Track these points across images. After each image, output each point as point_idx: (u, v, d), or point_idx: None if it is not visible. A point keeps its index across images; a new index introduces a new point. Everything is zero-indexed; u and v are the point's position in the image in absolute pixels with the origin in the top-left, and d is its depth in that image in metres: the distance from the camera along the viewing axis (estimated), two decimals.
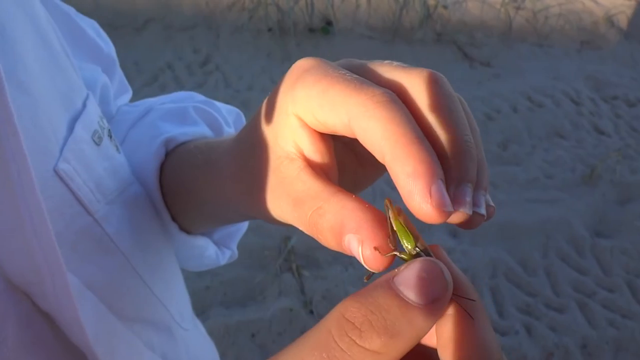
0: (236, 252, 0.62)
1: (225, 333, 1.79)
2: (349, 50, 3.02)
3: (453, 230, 2.24)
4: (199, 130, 0.53)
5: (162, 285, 0.50)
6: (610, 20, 3.43)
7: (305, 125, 0.33)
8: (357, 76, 0.31)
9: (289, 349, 0.26)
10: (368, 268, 0.28)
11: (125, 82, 0.63)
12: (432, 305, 0.25)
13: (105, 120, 0.45)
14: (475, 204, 0.30)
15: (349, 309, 0.25)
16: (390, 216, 0.29)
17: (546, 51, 3.24)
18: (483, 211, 0.30)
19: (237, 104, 2.60)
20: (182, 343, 0.54)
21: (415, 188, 0.27)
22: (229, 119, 0.59)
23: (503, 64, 3.11)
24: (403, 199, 0.28)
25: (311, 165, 0.33)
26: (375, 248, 0.28)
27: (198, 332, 0.63)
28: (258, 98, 2.66)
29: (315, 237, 0.31)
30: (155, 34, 2.94)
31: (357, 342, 0.24)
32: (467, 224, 0.30)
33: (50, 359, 0.36)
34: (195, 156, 0.48)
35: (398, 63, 0.33)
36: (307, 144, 0.33)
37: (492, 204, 0.32)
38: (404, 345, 0.24)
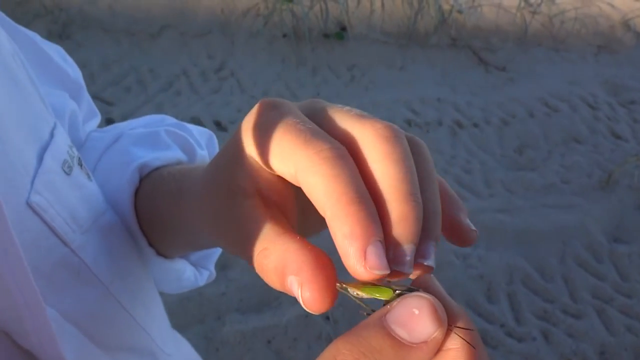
0: (214, 272, 0.62)
1: (242, 339, 1.79)
2: (364, 55, 3.02)
3: None
4: (173, 155, 0.52)
5: (143, 311, 0.50)
6: (627, 24, 3.41)
7: (263, 167, 0.33)
8: (311, 126, 0.31)
9: None
10: (307, 310, 0.28)
11: (94, 106, 0.61)
12: (427, 343, 0.24)
13: (74, 149, 0.44)
14: (422, 255, 0.29)
15: (340, 351, 0.24)
16: (351, 291, 0.29)
17: (562, 56, 3.22)
18: (430, 263, 0.29)
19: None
20: None
21: (351, 249, 0.26)
22: (201, 142, 0.58)
23: (519, 68, 3.10)
24: (342, 258, 0.27)
25: (268, 204, 0.33)
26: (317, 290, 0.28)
27: (181, 355, 0.62)
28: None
29: (262, 276, 0.31)
30: (170, 40, 2.96)
31: None
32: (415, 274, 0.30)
33: None
34: (169, 183, 0.47)
35: (358, 111, 0.33)
36: (264, 183, 0.33)
37: (473, 228, 0.32)
38: None
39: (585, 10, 3.42)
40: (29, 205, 0.36)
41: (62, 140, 0.42)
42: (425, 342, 0.24)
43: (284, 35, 3.04)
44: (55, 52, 0.56)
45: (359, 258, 0.26)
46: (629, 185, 2.49)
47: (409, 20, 3.18)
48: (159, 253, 0.52)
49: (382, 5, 3.22)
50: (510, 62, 3.12)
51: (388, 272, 0.27)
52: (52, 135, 0.41)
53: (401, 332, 0.24)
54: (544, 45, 3.26)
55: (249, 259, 0.32)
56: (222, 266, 2.00)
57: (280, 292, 1.91)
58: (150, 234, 0.50)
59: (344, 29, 3.10)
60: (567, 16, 3.37)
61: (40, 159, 0.39)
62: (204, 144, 0.58)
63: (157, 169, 0.50)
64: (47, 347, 0.35)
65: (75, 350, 0.37)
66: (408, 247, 0.28)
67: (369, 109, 2.60)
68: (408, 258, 0.28)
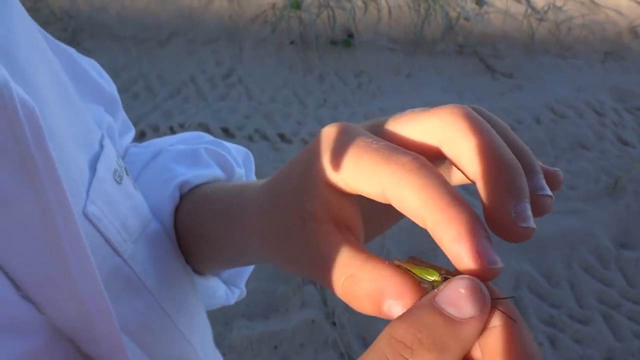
0: (244, 290, 0.62)
1: (249, 345, 1.80)
2: (371, 62, 3.03)
3: None
4: (212, 173, 0.53)
5: (187, 321, 0.50)
6: (634, 31, 3.41)
7: (334, 191, 0.33)
8: (384, 143, 0.32)
9: None
10: None
11: (128, 121, 0.62)
12: (474, 319, 0.26)
13: (121, 159, 0.45)
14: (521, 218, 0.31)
15: (397, 331, 0.26)
16: (409, 268, 0.30)
17: (569, 62, 3.22)
18: (532, 223, 0.31)
19: (259, 117, 2.63)
20: None
21: (463, 251, 0.27)
22: (238, 159, 0.59)
23: (526, 75, 3.10)
24: (452, 261, 0.28)
25: (341, 229, 0.33)
26: None
27: None
28: (280, 110, 2.68)
29: (347, 301, 0.31)
30: (179, 47, 2.98)
31: (409, 358, 0.25)
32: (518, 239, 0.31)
33: None
34: (214, 203, 0.47)
35: (419, 109, 0.34)
36: (336, 208, 0.33)
37: (549, 193, 0.33)
38: (452, 358, 0.26)
39: (592, 17, 3.43)
40: (85, 215, 0.37)
41: (110, 150, 0.43)
42: (473, 317, 0.26)
43: (292, 42, 3.06)
44: (91, 66, 0.57)
45: (473, 257, 0.27)
46: (636, 191, 2.49)
47: (416, 27, 3.20)
48: (194, 270, 0.52)
49: (389, 12, 3.24)
50: (517, 68, 3.13)
51: (501, 266, 0.28)
52: (101, 145, 0.42)
53: (451, 310, 0.26)
54: (550, 52, 3.27)
55: (326, 282, 0.32)
56: None
57: (287, 299, 1.92)
58: (189, 250, 0.51)
59: (351, 36, 3.11)
60: (574, 23, 3.38)
61: (94, 169, 0.39)
62: (240, 162, 0.59)
63: (197, 186, 0.51)
64: (116, 352, 0.35)
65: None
66: (525, 204, 0.30)
67: (376, 116, 2.61)
68: (529, 212, 0.30)
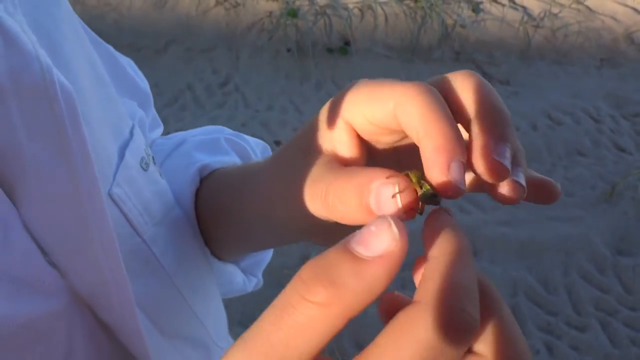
0: (261, 279, 0.65)
1: None
2: (367, 69, 3.04)
3: (472, 248, 2.22)
4: (231, 159, 0.56)
5: (202, 305, 0.52)
6: (630, 37, 3.42)
7: (350, 130, 0.36)
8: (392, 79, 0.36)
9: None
10: (403, 211, 0.30)
11: (158, 117, 0.66)
12: (381, 257, 0.25)
13: (149, 149, 0.48)
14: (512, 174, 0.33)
15: (304, 269, 0.26)
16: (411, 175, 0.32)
17: (565, 69, 3.23)
18: (522, 181, 0.33)
19: (256, 124, 2.63)
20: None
21: (438, 159, 0.30)
22: (257, 151, 0.62)
23: (522, 82, 3.11)
24: (425, 169, 0.30)
25: (344, 163, 0.36)
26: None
27: None
28: (277, 118, 2.69)
29: (334, 208, 0.32)
30: (175, 55, 2.99)
31: (305, 296, 0.25)
32: (507, 194, 0.32)
33: None
34: (231, 176, 0.51)
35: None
36: (346, 148, 0.36)
37: (523, 183, 0.33)
38: (351, 297, 0.25)
39: (588, 24, 3.44)
40: (110, 196, 0.40)
41: (140, 139, 0.46)
42: (380, 256, 0.25)
43: (288, 50, 3.06)
44: (128, 64, 0.61)
45: (443, 169, 0.30)
46: (633, 197, 2.49)
47: (413, 35, 3.21)
48: (214, 254, 0.55)
49: (386, 19, 3.25)
50: (513, 75, 3.14)
51: (464, 189, 0.30)
52: (131, 134, 0.46)
53: (359, 248, 0.25)
54: (547, 59, 3.28)
55: (324, 205, 0.34)
56: None
57: None
58: (208, 233, 0.53)
59: (347, 43, 3.12)
60: (570, 30, 3.39)
61: (122, 154, 0.43)
62: (259, 153, 0.62)
63: (217, 170, 0.54)
64: (129, 320, 0.38)
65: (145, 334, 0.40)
66: (507, 147, 0.32)
67: None
68: (508, 154, 0.32)
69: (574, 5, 3.51)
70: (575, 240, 2.28)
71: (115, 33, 2.98)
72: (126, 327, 0.38)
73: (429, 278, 0.26)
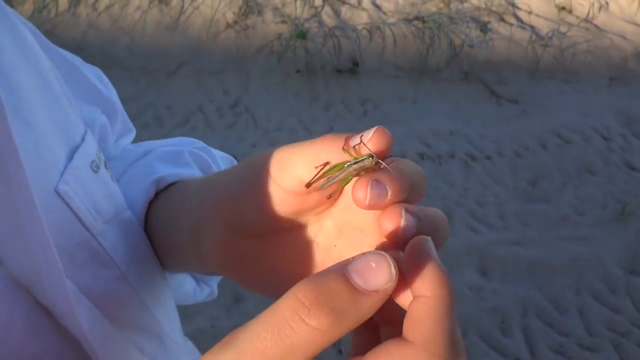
0: (216, 290, 0.65)
1: None
2: (376, 90, 3.06)
3: (483, 268, 2.22)
4: (190, 173, 0.57)
5: (154, 299, 0.54)
6: (639, 56, 3.42)
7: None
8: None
9: (249, 324, 0.28)
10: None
11: (129, 122, 0.68)
12: (378, 292, 0.28)
13: (101, 154, 0.51)
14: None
15: (301, 289, 0.28)
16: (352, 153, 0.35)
17: (575, 87, 3.23)
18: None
19: (266, 144, 2.65)
20: (172, 352, 0.57)
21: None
22: (222, 165, 0.63)
23: (531, 101, 3.11)
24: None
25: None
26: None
27: (189, 347, 0.65)
28: (287, 138, 2.70)
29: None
30: (187, 78, 3.02)
31: (306, 320, 0.27)
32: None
33: (52, 345, 0.41)
34: (185, 185, 0.53)
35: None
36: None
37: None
38: (348, 325, 0.27)
39: (596, 42, 3.45)
40: (56, 192, 0.42)
41: (91, 144, 0.49)
42: (376, 291, 0.28)
43: (298, 71, 3.09)
44: (93, 73, 0.63)
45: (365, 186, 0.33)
46: None
47: (421, 55, 3.23)
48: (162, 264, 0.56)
49: (394, 40, 3.27)
50: (522, 94, 3.15)
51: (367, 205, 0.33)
52: (83, 139, 0.48)
53: (358, 280, 0.28)
54: (556, 78, 3.28)
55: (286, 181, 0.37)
56: (236, 299, 2.01)
57: None
58: (157, 243, 0.55)
59: (356, 64, 3.15)
60: (578, 48, 3.40)
61: (71, 157, 0.45)
62: (223, 168, 0.63)
63: (174, 183, 0.55)
64: (63, 304, 0.40)
65: (88, 320, 0.42)
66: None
67: None
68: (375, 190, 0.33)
69: (582, 24, 3.52)
70: (586, 260, 2.27)
71: (128, 57, 3.02)
72: (61, 311, 0.40)
73: (421, 320, 0.29)
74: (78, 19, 3.14)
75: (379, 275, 0.28)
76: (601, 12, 3.59)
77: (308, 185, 0.35)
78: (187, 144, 0.63)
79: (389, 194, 0.33)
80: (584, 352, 1.96)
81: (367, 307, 0.28)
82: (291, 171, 0.37)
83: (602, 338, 2.01)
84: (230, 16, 3.25)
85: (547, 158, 2.75)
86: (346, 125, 2.82)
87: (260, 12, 3.28)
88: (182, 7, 3.25)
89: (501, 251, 2.28)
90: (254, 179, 0.39)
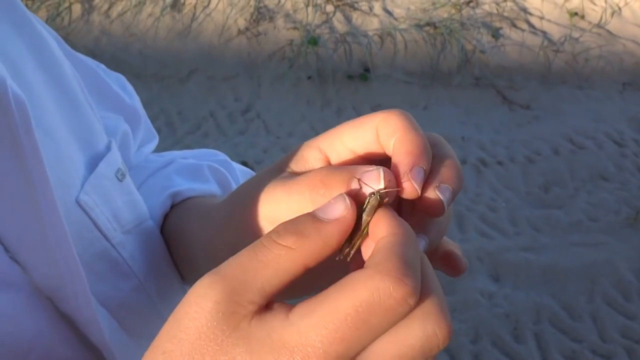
0: None
1: None
2: (387, 95, 3.06)
3: (495, 275, 2.22)
4: (208, 188, 0.59)
5: (171, 310, 0.54)
6: None
7: (324, 160, 0.40)
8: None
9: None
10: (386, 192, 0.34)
11: (152, 129, 0.70)
12: (336, 221, 0.32)
13: (125, 164, 0.52)
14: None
15: (277, 226, 0.32)
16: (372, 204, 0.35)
17: (587, 93, 3.22)
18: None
19: (277, 150, 2.66)
20: None
21: (405, 161, 0.35)
22: (241, 180, 0.64)
23: (543, 106, 3.10)
24: (392, 167, 0.35)
25: None
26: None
27: None
28: (298, 144, 2.70)
29: (318, 196, 0.36)
30: (199, 84, 3.04)
31: (276, 240, 0.31)
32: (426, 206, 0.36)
33: (77, 353, 0.41)
34: (198, 209, 0.54)
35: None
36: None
37: (441, 197, 0.37)
38: (311, 246, 0.31)
39: (609, 48, 3.43)
40: (77, 202, 0.43)
41: (117, 153, 0.50)
42: (336, 219, 0.32)
43: (309, 77, 3.10)
44: (116, 80, 0.64)
45: (407, 169, 0.35)
46: None
47: (432, 61, 3.23)
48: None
49: (405, 46, 3.27)
50: (534, 100, 3.13)
51: (418, 192, 0.35)
52: (109, 148, 0.50)
53: (320, 213, 0.33)
54: (568, 83, 3.27)
55: (312, 192, 0.37)
56: None
57: None
58: (176, 255, 0.56)
59: (367, 70, 3.15)
60: (591, 54, 3.38)
61: (94, 166, 0.47)
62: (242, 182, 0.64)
63: (190, 198, 0.56)
64: (85, 311, 0.41)
65: (108, 330, 0.43)
66: (419, 169, 0.35)
67: None
68: (421, 175, 0.35)
69: (594, 30, 3.50)
70: (599, 266, 2.25)
71: (140, 63, 3.04)
72: (83, 319, 0.41)
73: (377, 250, 0.32)
74: (91, 25, 3.17)
75: (336, 205, 0.33)
76: (614, 17, 3.57)
77: (339, 259, 0.36)
78: (208, 157, 0.65)
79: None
80: (597, 359, 1.95)
81: (328, 232, 0.32)
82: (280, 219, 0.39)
83: (616, 344, 1.99)
84: (242, 22, 3.26)
85: (559, 164, 2.74)
86: None
87: (271, 19, 3.29)
88: (194, 13, 3.27)
89: (513, 257, 2.27)
90: (247, 223, 0.41)
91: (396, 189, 0.35)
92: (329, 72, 3.09)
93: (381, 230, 0.33)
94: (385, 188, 0.34)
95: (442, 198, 0.35)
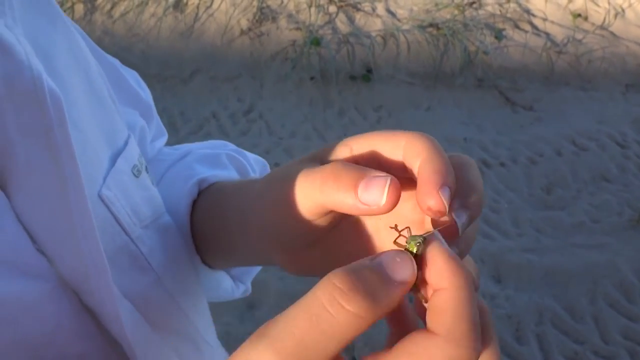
0: (250, 287, 0.67)
1: None
2: (390, 96, 3.05)
3: (497, 276, 2.21)
4: (229, 174, 0.60)
5: (190, 303, 0.55)
6: None
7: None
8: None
9: (283, 314, 0.30)
10: (382, 207, 0.34)
11: (162, 126, 0.70)
12: (402, 284, 0.30)
13: (142, 158, 0.52)
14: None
15: (337, 276, 0.29)
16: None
17: (590, 94, 3.21)
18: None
19: (279, 151, 2.66)
20: (207, 356, 0.58)
21: (432, 180, 0.34)
22: (255, 168, 0.65)
23: (546, 107, 3.10)
24: (418, 189, 0.35)
25: None
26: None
27: (221, 351, 0.66)
28: (301, 145, 2.71)
29: (328, 189, 0.35)
30: (201, 84, 3.04)
31: (344, 305, 0.28)
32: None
33: (95, 347, 0.41)
34: (224, 190, 0.54)
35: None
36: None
37: (461, 220, 0.36)
38: (380, 311, 0.29)
39: (612, 49, 3.43)
40: (99, 196, 0.44)
41: (134, 149, 0.51)
42: (402, 282, 0.30)
43: (312, 78, 3.10)
44: (131, 76, 0.65)
45: (435, 188, 0.34)
46: None
47: (435, 62, 3.22)
48: (205, 262, 0.58)
49: (408, 47, 3.27)
50: (537, 101, 3.13)
51: (445, 211, 0.34)
52: (126, 143, 0.50)
53: (390, 272, 0.30)
54: (571, 85, 3.26)
55: (322, 185, 0.37)
56: (249, 306, 2.02)
57: None
58: (202, 242, 0.57)
59: (370, 70, 3.15)
60: (594, 55, 3.38)
61: (114, 161, 0.47)
62: (257, 170, 0.66)
63: (214, 184, 0.57)
64: (108, 305, 0.41)
65: (130, 323, 0.43)
66: (446, 189, 0.35)
67: None
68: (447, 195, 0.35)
69: (597, 31, 3.50)
70: (601, 268, 2.25)
71: (143, 63, 3.04)
72: (105, 312, 0.41)
73: (443, 311, 0.30)
74: (93, 25, 3.17)
75: (404, 268, 0.30)
76: (617, 19, 3.57)
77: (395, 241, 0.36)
78: (222, 147, 0.66)
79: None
80: None
81: (395, 296, 0.30)
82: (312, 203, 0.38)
83: (618, 346, 1.99)
84: (244, 23, 3.27)
85: (562, 165, 2.73)
86: (360, 132, 2.80)
87: (274, 19, 3.30)
88: (197, 14, 3.27)
89: (516, 258, 2.27)
90: (285, 204, 0.40)
91: (447, 222, 0.35)
92: (332, 73, 3.09)
93: (443, 279, 0.31)
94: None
95: (457, 222, 0.35)
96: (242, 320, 1.96)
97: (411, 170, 0.36)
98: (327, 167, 0.37)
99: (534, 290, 2.16)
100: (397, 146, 0.37)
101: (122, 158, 0.48)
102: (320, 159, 0.41)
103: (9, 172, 0.37)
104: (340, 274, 0.29)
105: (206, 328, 0.59)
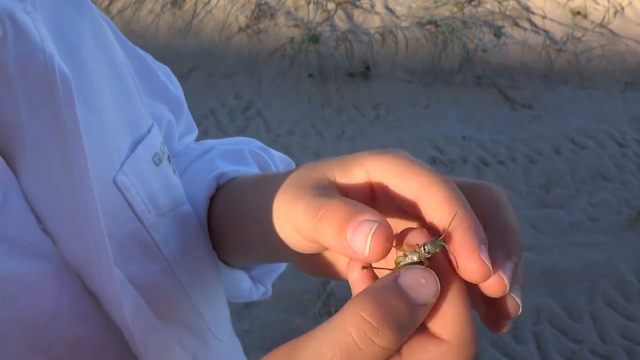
0: (270, 290, 0.66)
1: None
2: (389, 94, 3.05)
3: None
4: (250, 170, 0.59)
5: (201, 296, 0.54)
6: None
7: (367, 183, 0.38)
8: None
9: (306, 343, 0.30)
10: (367, 256, 0.31)
11: (192, 122, 0.72)
12: (425, 306, 0.30)
13: (165, 147, 0.52)
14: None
15: (364, 309, 0.29)
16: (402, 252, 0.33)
17: (589, 93, 3.21)
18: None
19: (277, 148, 2.62)
20: (215, 350, 0.57)
21: (470, 240, 0.32)
22: (280, 165, 0.65)
23: (545, 106, 3.09)
24: (457, 250, 0.32)
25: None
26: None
27: (234, 346, 0.66)
28: (299, 142, 2.70)
29: (321, 230, 0.34)
30: (199, 81, 3.03)
31: (375, 341, 0.29)
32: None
33: (94, 331, 0.41)
34: (242, 186, 0.54)
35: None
36: (357, 188, 0.39)
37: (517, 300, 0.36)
38: (405, 338, 0.30)
39: (611, 47, 3.42)
40: (114, 182, 0.44)
41: (156, 137, 0.51)
42: (425, 304, 0.30)
43: (310, 75, 3.09)
44: (162, 71, 0.66)
45: (476, 247, 0.31)
46: None
47: (434, 59, 3.22)
48: (221, 258, 0.57)
49: (407, 44, 3.26)
50: (536, 99, 3.12)
51: (491, 274, 0.32)
52: (149, 131, 0.50)
53: (412, 294, 0.30)
54: (570, 83, 3.26)
55: (314, 222, 0.35)
56: (246, 303, 2.01)
57: (303, 330, 1.90)
58: (219, 238, 0.56)
59: (368, 68, 3.14)
60: (593, 53, 3.37)
61: (134, 148, 0.47)
62: (282, 168, 0.66)
63: (234, 179, 0.57)
64: (108, 291, 0.41)
65: (133, 309, 0.43)
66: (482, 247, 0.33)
67: (394, 147, 2.61)
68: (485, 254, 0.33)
69: (597, 29, 3.49)
70: (600, 267, 2.24)
71: None
72: (106, 297, 0.41)
73: (455, 323, 0.31)
74: None
75: (429, 289, 0.30)
76: (616, 17, 3.56)
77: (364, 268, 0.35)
78: (246, 143, 0.66)
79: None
80: None
81: (419, 319, 0.30)
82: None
83: (616, 345, 1.99)
84: (242, 20, 3.26)
85: (560, 164, 2.73)
86: (358, 129, 2.81)
87: (272, 16, 3.28)
88: (195, 10, 3.26)
89: None
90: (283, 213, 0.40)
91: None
92: (330, 70, 3.08)
93: (451, 331, 0.31)
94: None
95: (505, 279, 0.33)
96: (239, 318, 1.96)
97: (427, 219, 0.34)
98: (326, 204, 0.35)
99: (531, 289, 2.15)
100: (411, 190, 0.35)
101: (142, 145, 0.48)
102: (332, 174, 0.39)
103: (17, 152, 0.38)
104: (367, 306, 0.29)
105: (217, 322, 0.59)
